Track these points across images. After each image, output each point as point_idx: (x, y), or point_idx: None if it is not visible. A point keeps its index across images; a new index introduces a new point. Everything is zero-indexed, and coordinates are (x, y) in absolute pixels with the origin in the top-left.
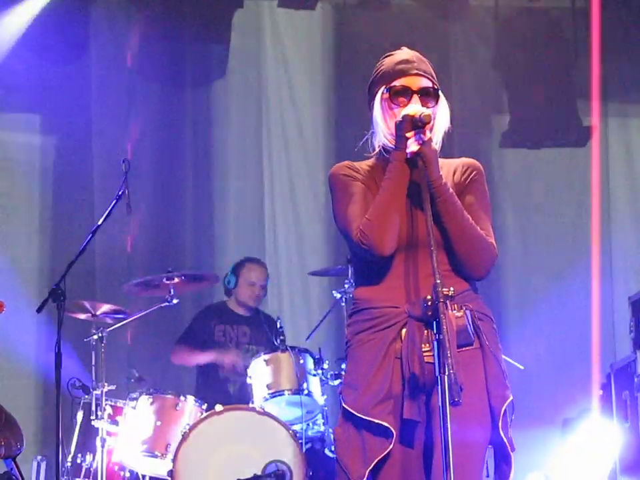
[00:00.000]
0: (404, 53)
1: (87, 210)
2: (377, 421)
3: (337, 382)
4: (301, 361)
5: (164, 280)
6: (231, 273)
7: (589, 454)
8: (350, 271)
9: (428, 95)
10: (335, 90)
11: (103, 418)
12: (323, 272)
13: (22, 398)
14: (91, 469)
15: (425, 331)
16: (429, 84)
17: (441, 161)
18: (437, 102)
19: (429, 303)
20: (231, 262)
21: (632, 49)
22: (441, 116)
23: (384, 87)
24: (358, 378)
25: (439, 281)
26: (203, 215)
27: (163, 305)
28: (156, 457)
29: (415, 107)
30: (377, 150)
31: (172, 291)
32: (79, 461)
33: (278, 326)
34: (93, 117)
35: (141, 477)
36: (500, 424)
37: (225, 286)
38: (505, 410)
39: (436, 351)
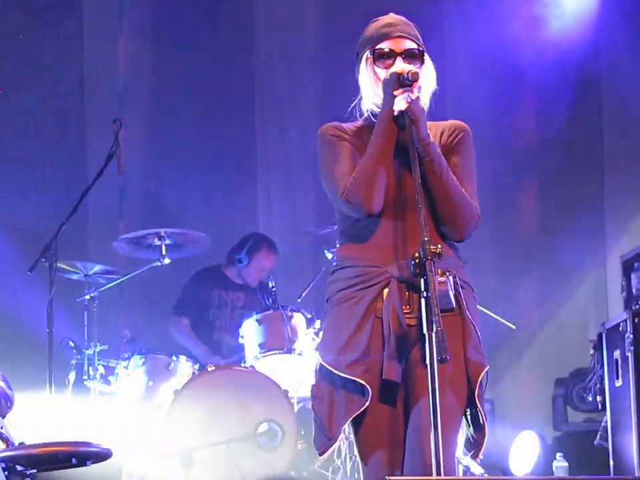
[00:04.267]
0: (388, 17)
1: (79, 170)
2: (353, 378)
3: None
4: (293, 320)
5: (155, 239)
6: (245, 253)
7: (580, 413)
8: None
9: (413, 57)
10: (328, 50)
11: (95, 378)
12: (315, 231)
13: (13, 358)
14: None
15: (407, 293)
16: (414, 46)
17: (429, 123)
18: (422, 63)
19: (417, 261)
20: (224, 223)
21: (627, 19)
22: (427, 77)
23: (368, 50)
24: (337, 335)
25: (426, 239)
26: (196, 177)
27: (154, 264)
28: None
29: (402, 65)
30: (365, 115)
31: (163, 250)
32: None
33: (270, 285)
34: (85, 77)
35: None
36: (476, 392)
37: (233, 259)
38: (482, 380)
39: (423, 308)
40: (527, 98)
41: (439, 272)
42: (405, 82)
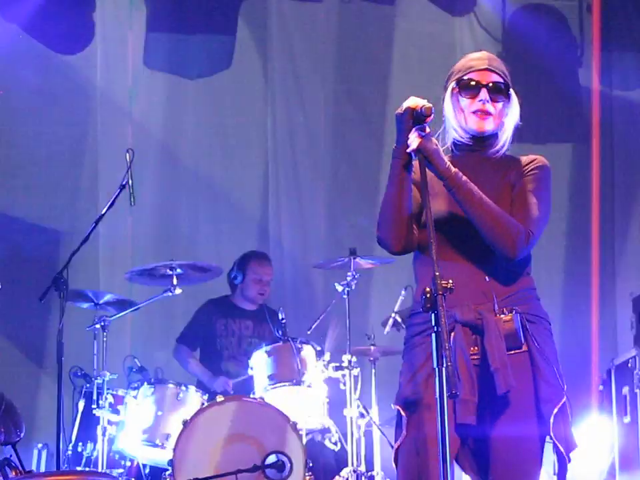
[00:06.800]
0: (478, 53)
1: (91, 199)
2: (397, 407)
3: (338, 373)
4: (303, 353)
5: (167, 270)
6: (237, 269)
7: (588, 449)
8: (352, 264)
9: (498, 91)
10: (340, 81)
11: (104, 407)
12: (326, 264)
13: (23, 385)
14: (92, 458)
15: (473, 336)
16: (500, 80)
17: (508, 157)
18: (507, 98)
19: (428, 295)
20: (234, 253)
21: (636, 42)
22: (511, 112)
23: (454, 81)
24: (407, 377)
25: (437, 273)
26: (207, 206)
27: (165, 294)
28: (156, 446)
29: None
30: (448, 145)
31: (174, 281)
32: (79, 449)
33: (280, 317)
34: (98, 107)
35: (141, 466)
36: (551, 429)
37: (231, 281)
38: (557, 413)
39: (434, 343)
40: None
41: (505, 310)
42: (418, 117)
